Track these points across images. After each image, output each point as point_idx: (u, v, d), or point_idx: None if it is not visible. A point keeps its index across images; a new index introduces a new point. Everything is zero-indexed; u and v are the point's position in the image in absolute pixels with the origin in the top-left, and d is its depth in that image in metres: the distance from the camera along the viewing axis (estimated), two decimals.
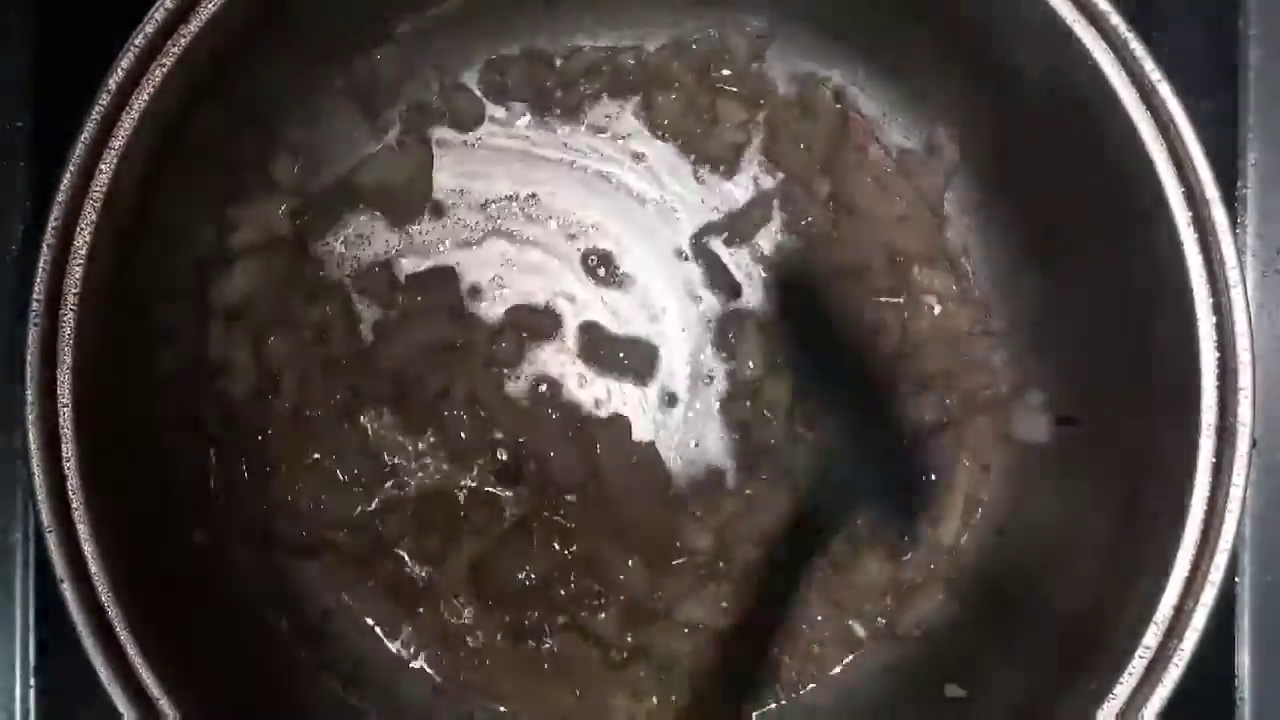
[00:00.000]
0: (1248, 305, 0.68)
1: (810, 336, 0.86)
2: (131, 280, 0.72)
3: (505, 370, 0.85)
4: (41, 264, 0.67)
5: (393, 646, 0.85)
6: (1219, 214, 0.67)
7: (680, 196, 0.87)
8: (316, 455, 0.84)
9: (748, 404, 0.85)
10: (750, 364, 0.85)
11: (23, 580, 0.80)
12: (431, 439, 0.85)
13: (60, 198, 0.67)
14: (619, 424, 0.85)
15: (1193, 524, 0.67)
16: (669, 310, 0.86)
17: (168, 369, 0.79)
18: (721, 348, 0.86)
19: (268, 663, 0.81)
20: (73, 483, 0.67)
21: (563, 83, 0.86)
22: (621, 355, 0.86)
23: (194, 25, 0.68)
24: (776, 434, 0.84)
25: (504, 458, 0.85)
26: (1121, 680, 0.67)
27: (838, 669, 0.85)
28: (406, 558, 0.85)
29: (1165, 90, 0.67)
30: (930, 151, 0.86)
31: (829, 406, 0.85)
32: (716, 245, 0.86)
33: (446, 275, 0.85)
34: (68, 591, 0.67)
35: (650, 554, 0.84)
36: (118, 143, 0.68)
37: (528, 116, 0.87)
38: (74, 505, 0.67)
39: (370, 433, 0.85)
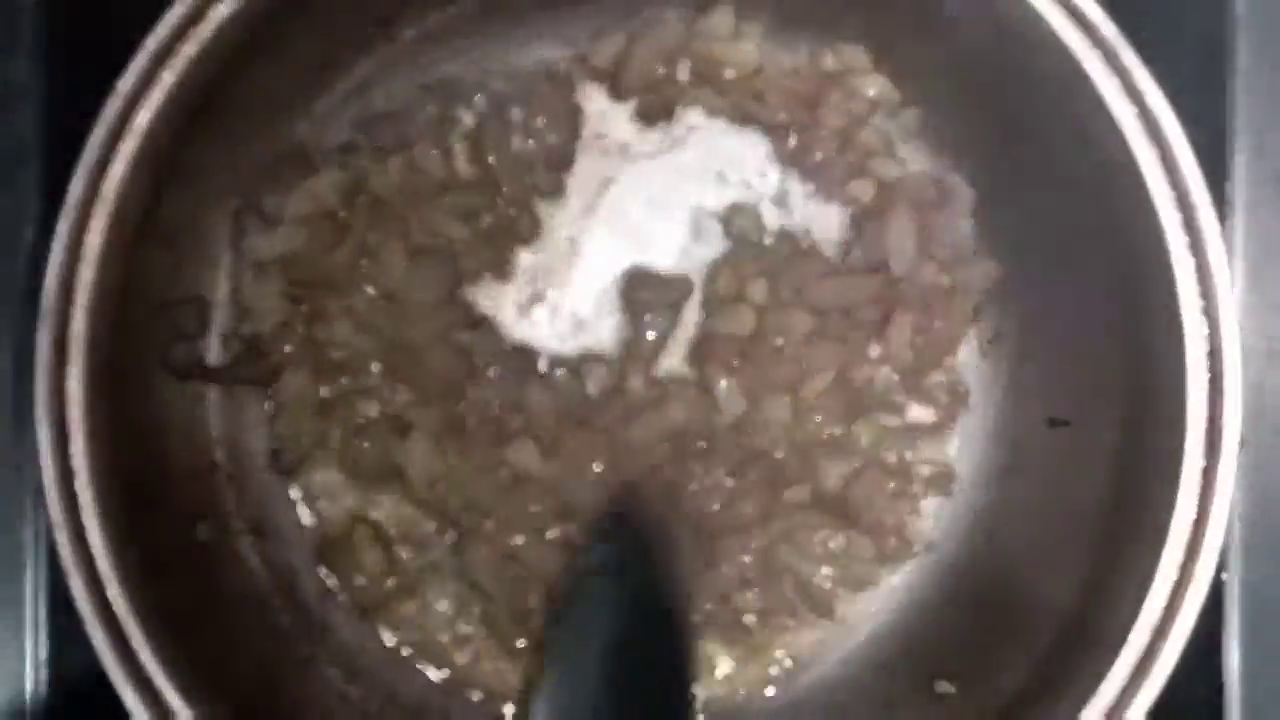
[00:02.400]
0: (1236, 308, 0.68)
1: None
2: (142, 280, 0.73)
3: None
4: (52, 265, 0.68)
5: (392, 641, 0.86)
6: (1208, 218, 0.68)
7: None
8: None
9: None
10: None
11: (33, 577, 0.80)
12: None
13: (71, 199, 0.68)
14: None
15: (1180, 524, 0.68)
16: None
17: (179, 367, 0.80)
18: None
19: (275, 659, 0.82)
20: (82, 479, 0.68)
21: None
22: None
23: (206, 29, 0.69)
24: None
25: None
26: (1109, 679, 0.67)
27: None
28: None
29: (1156, 98, 0.68)
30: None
31: None
32: None
33: None
34: (76, 587, 0.67)
35: None
36: (128, 145, 0.69)
37: None
38: (83, 502, 0.68)
39: None
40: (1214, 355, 0.68)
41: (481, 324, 0.85)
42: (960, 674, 0.80)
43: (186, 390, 0.81)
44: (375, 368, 0.85)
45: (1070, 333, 0.81)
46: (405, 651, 0.86)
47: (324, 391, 0.85)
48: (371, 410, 0.84)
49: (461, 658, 0.86)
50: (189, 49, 0.69)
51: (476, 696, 0.86)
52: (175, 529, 0.78)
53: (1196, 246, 0.68)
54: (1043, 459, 0.83)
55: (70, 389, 0.68)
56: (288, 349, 0.84)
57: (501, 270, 0.86)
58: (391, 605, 0.85)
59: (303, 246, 0.84)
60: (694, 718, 0.83)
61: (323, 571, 0.86)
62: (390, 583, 0.85)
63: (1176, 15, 0.83)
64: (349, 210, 0.84)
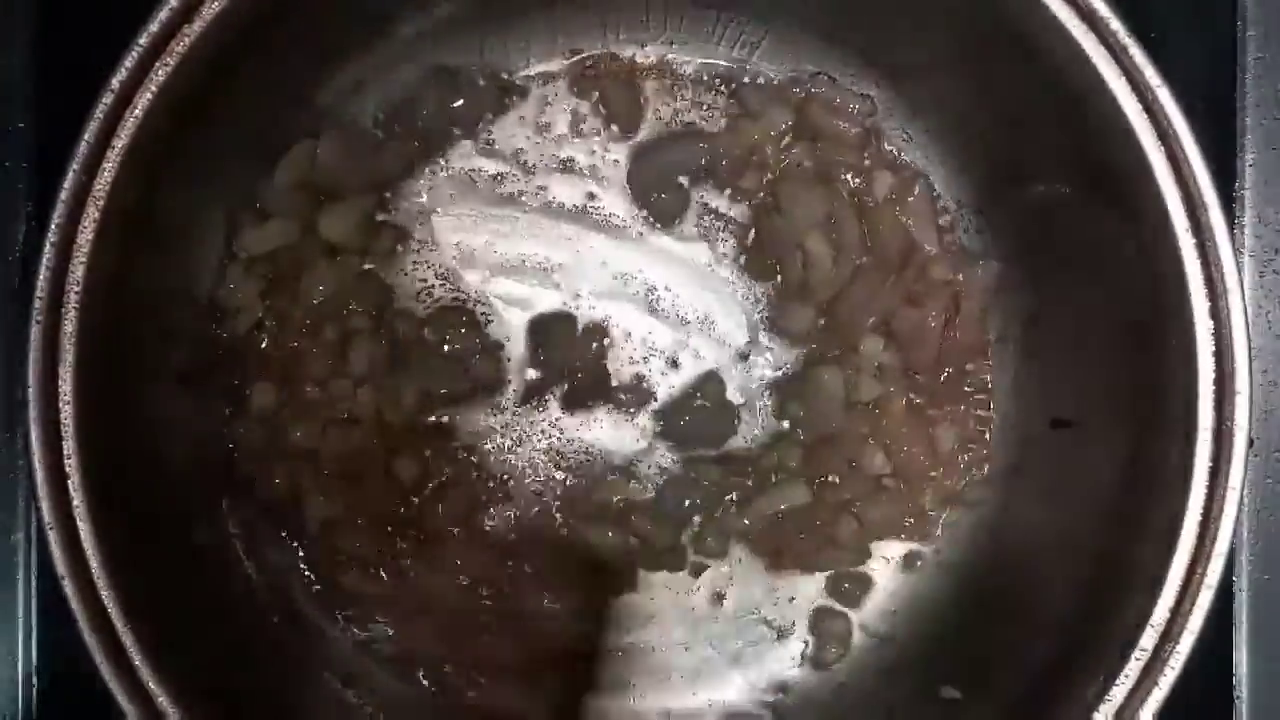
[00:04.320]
0: (1245, 309, 0.68)
1: None
2: (134, 279, 0.72)
3: None
4: (44, 263, 0.68)
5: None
6: (1217, 218, 0.68)
7: None
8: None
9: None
10: None
11: (25, 579, 0.80)
12: None
13: (63, 197, 0.68)
14: None
15: (1189, 526, 0.67)
16: None
17: (171, 366, 0.79)
18: None
19: (268, 661, 0.81)
20: (74, 480, 0.68)
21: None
22: None
23: (198, 25, 0.68)
24: None
25: None
26: (1118, 682, 0.67)
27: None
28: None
29: (1165, 96, 0.68)
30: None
31: None
32: None
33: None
34: (69, 589, 0.67)
35: None
36: (120, 142, 0.68)
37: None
38: (75, 503, 0.68)
39: None
40: (1222, 355, 0.68)
41: None
42: (967, 678, 0.80)
43: (179, 390, 0.81)
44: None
45: (1075, 333, 0.81)
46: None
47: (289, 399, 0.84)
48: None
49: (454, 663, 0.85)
50: (182, 46, 0.69)
51: (469, 700, 0.85)
52: (170, 531, 0.78)
53: (1204, 246, 0.68)
54: (1048, 459, 0.83)
55: (62, 389, 0.68)
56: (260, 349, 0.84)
57: None
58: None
59: (294, 239, 0.83)
60: None
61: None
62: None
63: (1186, 14, 0.83)
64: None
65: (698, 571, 0.86)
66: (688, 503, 0.86)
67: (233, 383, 0.83)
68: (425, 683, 0.85)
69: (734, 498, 0.86)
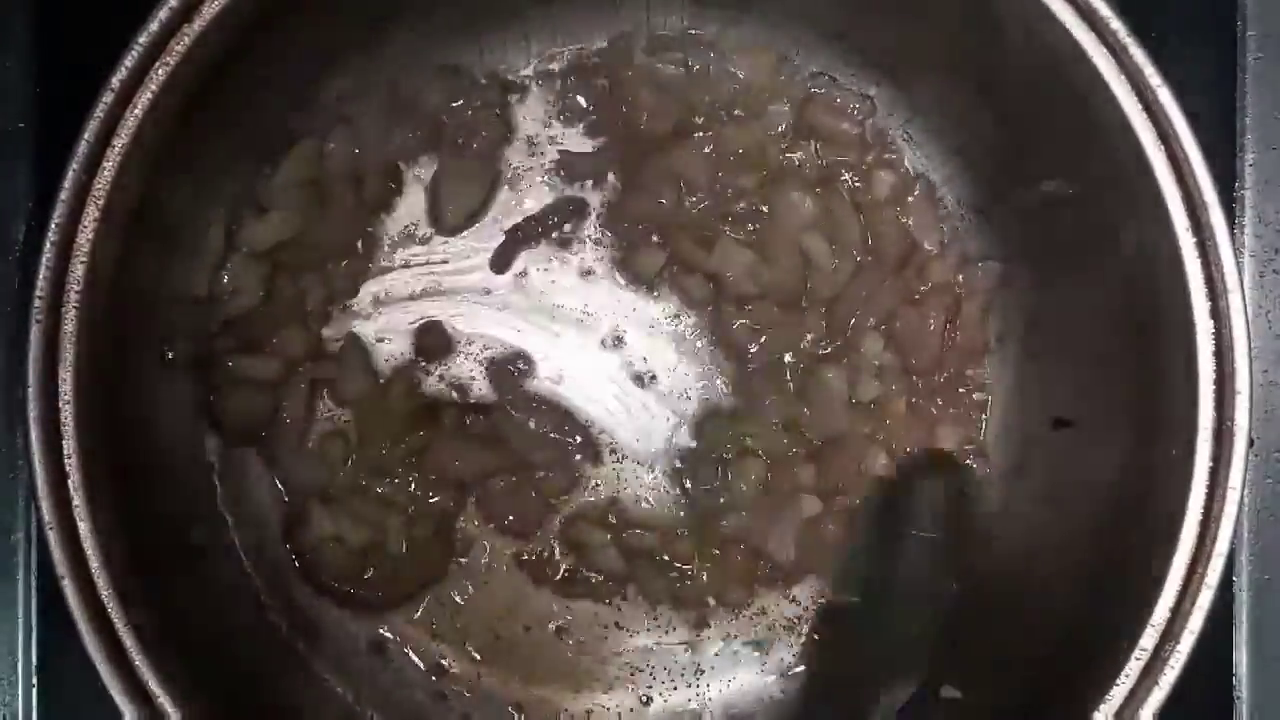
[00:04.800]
0: (1245, 309, 0.68)
1: None
2: (134, 278, 0.72)
3: None
4: (44, 263, 0.67)
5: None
6: (1217, 218, 0.68)
7: None
8: None
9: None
10: None
11: (25, 579, 0.80)
12: None
13: (63, 196, 0.68)
14: None
15: (1189, 526, 0.67)
16: None
17: (171, 365, 0.79)
18: None
19: (267, 660, 0.82)
20: (74, 480, 0.68)
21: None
22: None
23: (198, 25, 0.68)
24: None
25: None
26: (1119, 682, 0.67)
27: None
28: None
29: (1165, 96, 0.68)
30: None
31: None
32: None
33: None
34: (68, 589, 0.67)
35: None
36: (120, 142, 0.68)
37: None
38: (75, 503, 0.67)
39: None
40: (1222, 355, 0.68)
41: None
42: (967, 678, 0.80)
43: (180, 389, 0.81)
44: None
45: (1076, 333, 0.81)
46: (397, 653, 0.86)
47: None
48: None
49: (455, 663, 0.86)
50: (181, 45, 0.68)
51: (469, 700, 0.86)
52: (168, 529, 0.78)
53: (1205, 246, 0.68)
54: (1048, 459, 0.83)
55: (62, 389, 0.68)
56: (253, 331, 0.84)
57: None
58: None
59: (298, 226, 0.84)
60: None
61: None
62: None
63: (1186, 14, 0.83)
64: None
65: (699, 572, 0.86)
66: (687, 506, 0.86)
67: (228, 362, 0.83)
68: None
69: (734, 500, 0.86)
